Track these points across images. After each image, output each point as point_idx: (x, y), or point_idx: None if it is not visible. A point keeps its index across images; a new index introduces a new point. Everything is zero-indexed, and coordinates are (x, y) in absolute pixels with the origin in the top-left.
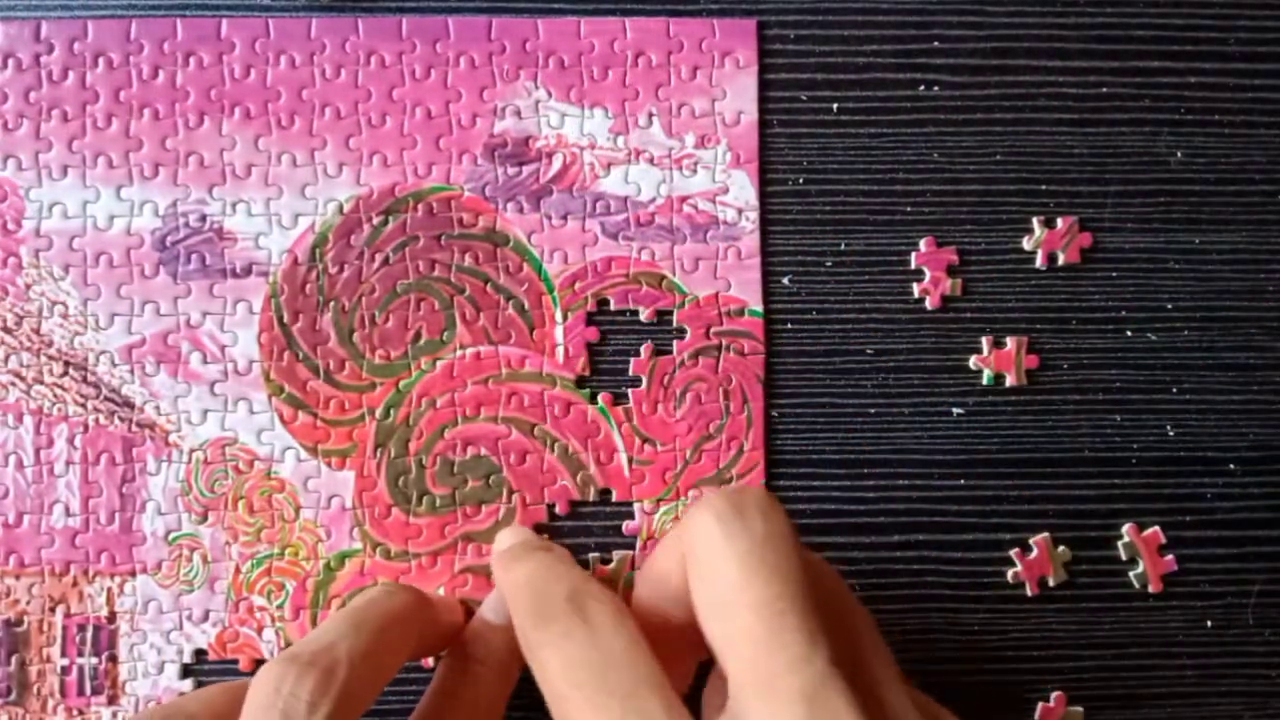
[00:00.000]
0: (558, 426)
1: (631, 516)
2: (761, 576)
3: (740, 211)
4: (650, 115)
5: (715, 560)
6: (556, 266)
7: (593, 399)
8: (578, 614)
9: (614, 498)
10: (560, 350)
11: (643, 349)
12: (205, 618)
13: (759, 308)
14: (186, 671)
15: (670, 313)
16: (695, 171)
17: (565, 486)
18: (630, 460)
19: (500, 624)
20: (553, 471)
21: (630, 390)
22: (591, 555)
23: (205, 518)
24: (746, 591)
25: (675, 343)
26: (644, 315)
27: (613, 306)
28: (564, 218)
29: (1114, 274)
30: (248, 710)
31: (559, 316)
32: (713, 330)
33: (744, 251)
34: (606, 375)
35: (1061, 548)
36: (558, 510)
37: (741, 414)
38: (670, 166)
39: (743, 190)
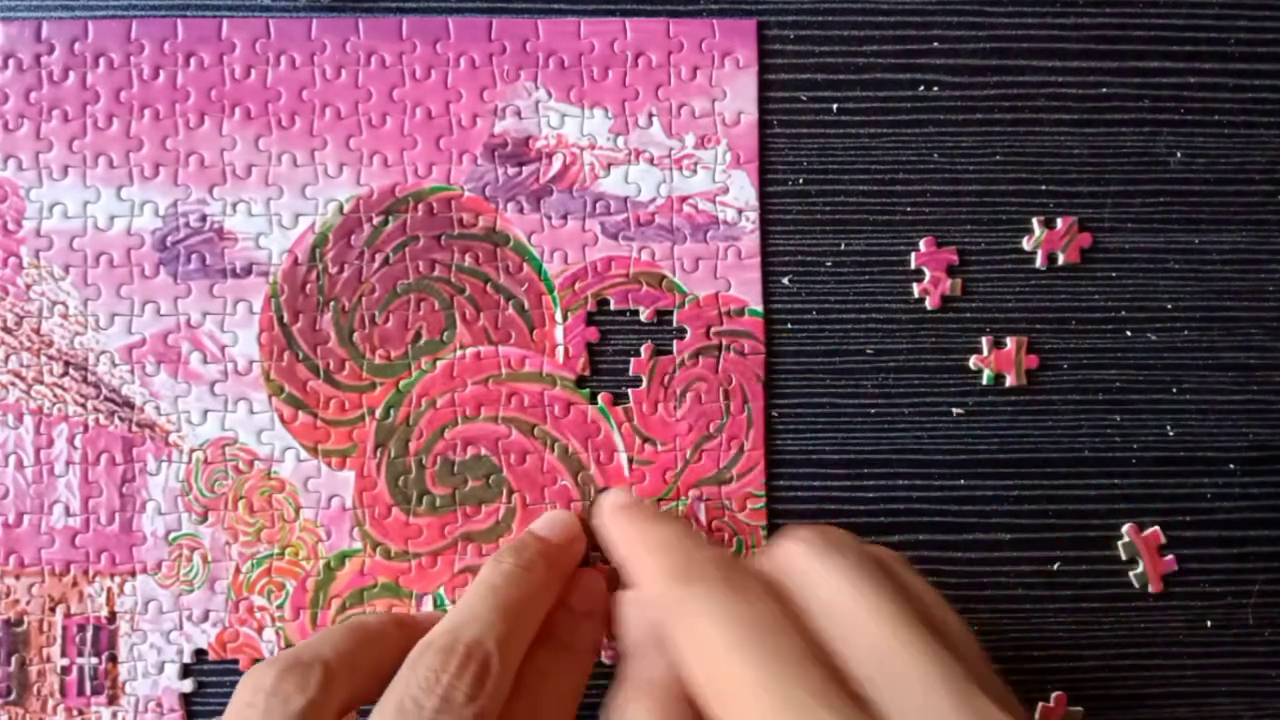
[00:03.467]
0: (558, 426)
1: None
2: (874, 588)
3: (740, 211)
4: (650, 115)
5: (813, 582)
6: (556, 266)
7: (593, 399)
8: (729, 578)
9: None
10: (560, 350)
11: (643, 349)
12: (205, 618)
13: (759, 307)
14: (186, 671)
15: (670, 313)
16: (695, 171)
17: (565, 486)
18: (630, 460)
19: (584, 610)
20: (553, 471)
21: (630, 390)
22: (593, 554)
23: (205, 518)
24: (862, 601)
25: (675, 342)
26: (644, 315)
27: (613, 306)
28: (564, 218)
29: (1114, 274)
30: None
31: (559, 316)
32: (713, 330)
33: (744, 251)
34: (606, 375)
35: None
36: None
37: (742, 414)
38: (670, 166)
39: (743, 190)
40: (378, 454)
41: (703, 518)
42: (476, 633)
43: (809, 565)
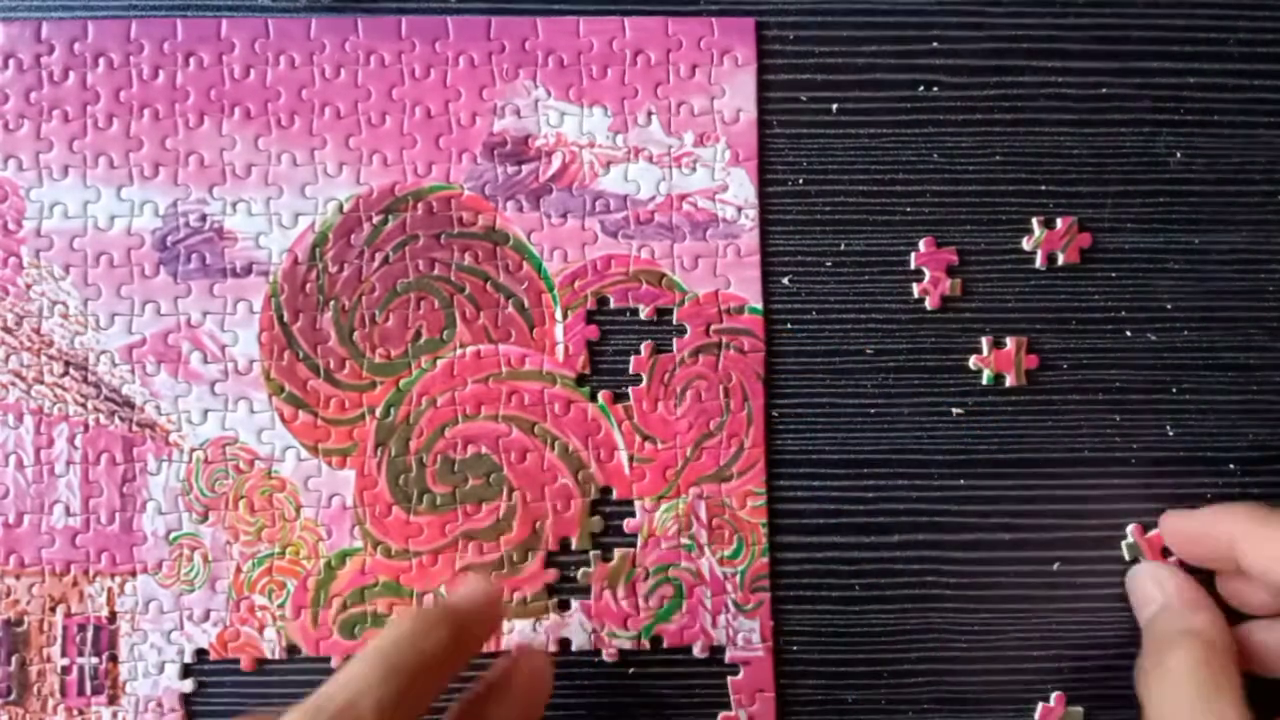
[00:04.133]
0: (558, 425)
1: (633, 514)
2: None
3: (740, 209)
4: (649, 113)
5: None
6: (556, 265)
7: (593, 397)
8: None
9: (614, 495)
10: (560, 348)
11: (643, 347)
12: (206, 617)
13: (759, 305)
14: (187, 671)
15: (670, 310)
16: (694, 169)
17: (565, 484)
18: (631, 458)
19: (520, 692)
20: (553, 469)
21: (630, 388)
22: (593, 553)
23: (206, 517)
24: None
25: (675, 340)
26: (644, 313)
27: (612, 304)
28: (564, 216)
29: (1114, 274)
30: None
31: (559, 315)
32: (713, 328)
33: (743, 249)
34: (607, 373)
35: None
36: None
37: (742, 411)
38: (669, 164)
39: (742, 188)
40: (378, 453)
41: (703, 515)
42: (350, 697)
43: None
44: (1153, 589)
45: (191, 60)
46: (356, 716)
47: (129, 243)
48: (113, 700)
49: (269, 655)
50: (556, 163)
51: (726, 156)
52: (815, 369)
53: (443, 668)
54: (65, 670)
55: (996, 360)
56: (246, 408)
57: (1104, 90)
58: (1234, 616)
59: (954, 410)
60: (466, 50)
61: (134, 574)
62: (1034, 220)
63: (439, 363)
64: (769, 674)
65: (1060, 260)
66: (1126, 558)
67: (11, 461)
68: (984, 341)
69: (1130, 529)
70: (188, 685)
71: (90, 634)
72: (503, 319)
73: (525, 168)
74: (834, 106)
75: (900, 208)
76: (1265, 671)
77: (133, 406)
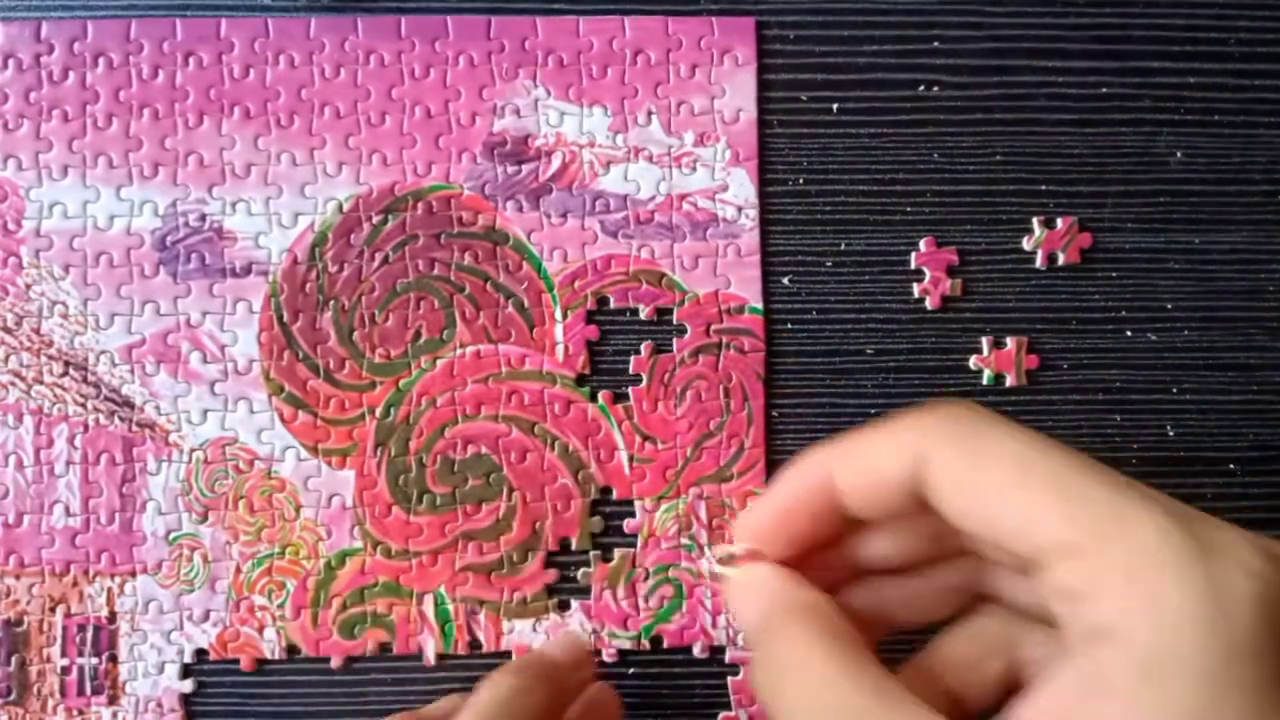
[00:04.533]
0: (558, 425)
1: (633, 514)
2: (1050, 444)
3: (740, 209)
4: (649, 113)
5: (992, 442)
6: (556, 265)
7: (593, 397)
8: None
9: (614, 495)
10: (560, 348)
11: (643, 347)
12: (206, 617)
13: (759, 305)
14: (187, 671)
15: (670, 310)
16: (695, 169)
17: (565, 485)
18: (631, 458)
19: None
20: (553, 470)
21: (630, 388)
22: (593, 553)
23: (206, 517)
24: (1052, 454)
25: (675, 340)
26: (644, 313)
27: (612, 304)
28: (563, 216)
29: (1114, 274)
30: None
31: (559, 314)
32: (713, 328)
33: (744, 249)
34: (607, 373)
35: None
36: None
37: (742, 411)
38: (669, 164)
39: (742, 187)
40: (378, 453)
41: (703, 515)
42: None
43: (981, 428)
44: (751, 591)
45: (191, 60)
46: None
47: (128, 242)
48: (112, 700)
49: (269, 655)
50: (556, 162)
51: (726, 156)
52: (815, 369)
53: None
54: (65, 670)
55: (997, 360)
56: (246, 408)
57: (1104, 90)
58: None
59: None
60: (466, 50)
61: (134, 574)
62: (1034, 220)
63: (439, 363)
64: None
65: (1060, 260)
66: None
67: (11, 461)
68: (984, 341)
69: None
70: (187, 685)
71: (90, 634)
72: (502, 319)
73: (525, 167)
74: (834, 106)
75: (900, 208)
76: (899, 627)
77: (132, 406)
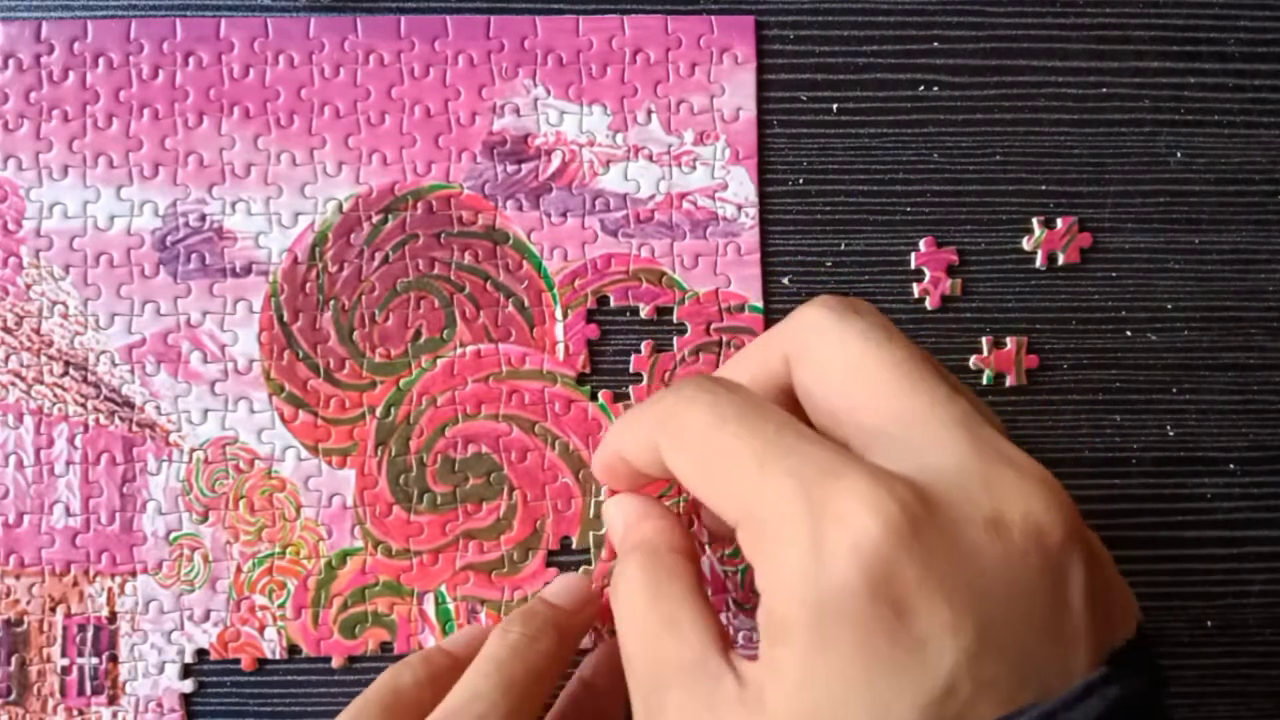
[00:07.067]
0: (558, 424)
1: None
2: (891, 342)
3: (740, 207)
4: (649, 112)
5: (832, 342)
6: (556, 264)
7: (593, 396)
8: (712, 379)
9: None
10: (561, 347)
11: (643, 346)
12: (207, 617)
13: (759, 303)
14: (188, 671)
15: (670, 309)
16: (694, 168)
17: (566, 484)
18: None
19: (605, 687)
20: (554, 469)
21: (631, 387)
22: (594, 552)
23: (206, 517)
24: (881, 354)
25: (676, 339)
26: (644, 312)
27: (613, 303)
28: (563, 215)
29: (1114, 274)
30: None
31: (559, 314)
32: (713, 326)
33: (744, 247)
34: (607, 372)
35: None
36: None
37: None
38: (669, 163)
39: (742, 186)
40: (378, 452)
41: (704, 513)
42: (475, 717)
43: (829, 326)
44: (615, 518)
45: (191, 60)
46: None
47: (129, 243)
48: (113, 700)
49: (270, 655)
50: (556, 161)
51: (726, 154)
52: None
53: (553, 675)
54: (65, 670)
55: (997, 360)
56: (246, 407)
57: (1104, 90)
58: None
59: None
60: (465, 49)
61: (134, 574)
62: (1034, 220)
63: (439, 362)
64: None
65: (1060, 260)
66: None
67: (11, 461)
68: (984, 341)
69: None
70: (188, 685)
71: (90, 634)
72: (503, 318)
73: (525, 166)
74: (834, 106)
75: (900, 208)
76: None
77: (133, 406)
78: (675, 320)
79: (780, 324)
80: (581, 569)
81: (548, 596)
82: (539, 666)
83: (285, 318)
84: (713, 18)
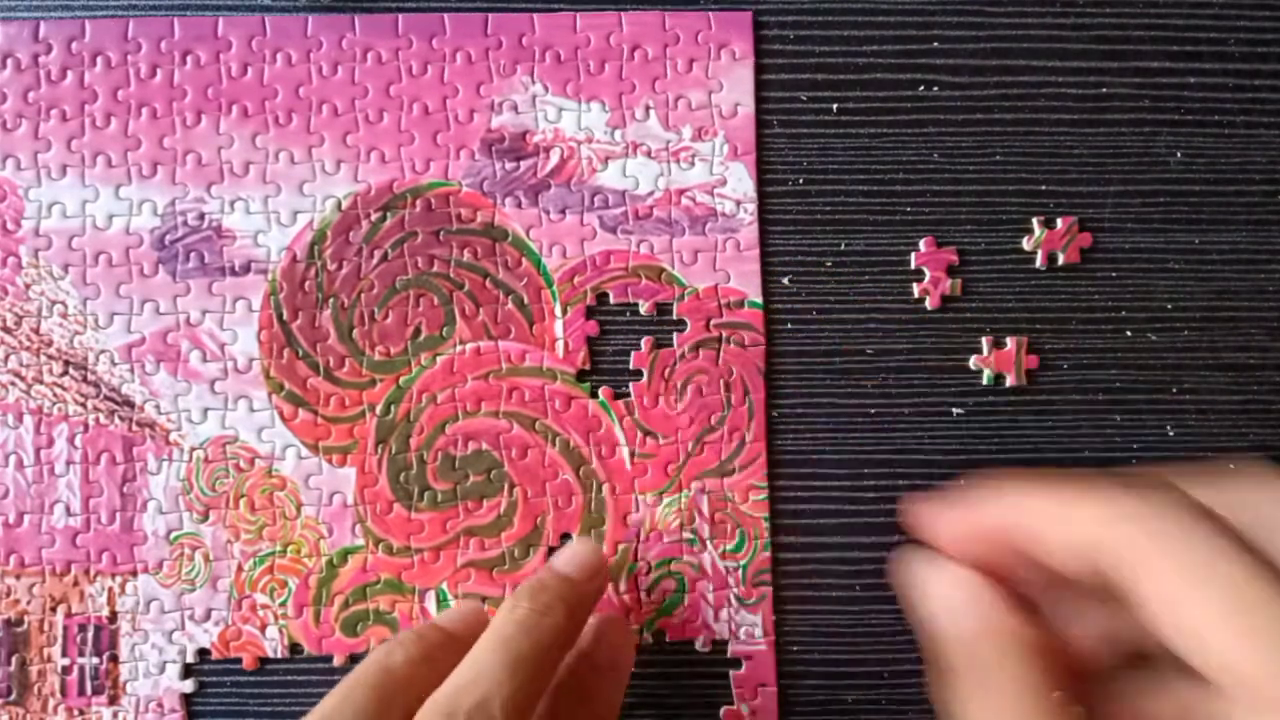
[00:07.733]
0: (559, 421)
1: (635, 509)
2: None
3: (739, 203)
4: (647, 108)
5: (1204, 570)
6: (555, 261)
7: (593, 393)
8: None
9: (617, 491)
10: (560, 344)
11: (643, 342)
12: (208, 616)
13: (758, 299)
14: (188, 671)
15: (670, 305)
16: (693, 164)
17: (566, 481)
18: (632, 454)
19: (607, 663)
20: (554, 466)
21: (631, 383)
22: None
23: (206, 516)
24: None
25: (675, 335)
26: (644, 308)
27: (612, 300)
28: (562, 212)
29: (1114, 274)
30: None
31: (558, 311)
32: (713, 322)
33: (743, 243)
34: (607, 369)
35: None
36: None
37: (743, 405)
38: (668, 159)
39: (741, 182)
40: (379, 450)
41: (705, 510)
42: (481, 695)
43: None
44: (958, 599)
45: (189, 59)
46: (489, 716)
47: (128, 242)
48: (113, 700)
49: (271, 654)
50: (554, 158)
51: (725, 150)
52: (815, 369)
53: (561, 649)
54: (66, 670)
55: (997, 360)
56: (246, 406)
57: (1104, 90)
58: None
59: (954, 410)
60: (463, 46)
61: (135, 574)
62: (1034, 220)
63: (439, 360)
64: (771, 668)
65: (1060, 260)
66: None
67: (11, 461)
68: (984, 341)
69: None
70: (189, 685)
71: (91, 634)
72: (502, 315)
73: (523, 164)
74: (834, 106)
75: (900, 208)
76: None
77: (132, 406)
78: (675, 316)
79: (1101, 501)
80: (593, 531)
81: (557, 566)
82: (546, 642)
83: (284, 316)
84: (710, 13)
